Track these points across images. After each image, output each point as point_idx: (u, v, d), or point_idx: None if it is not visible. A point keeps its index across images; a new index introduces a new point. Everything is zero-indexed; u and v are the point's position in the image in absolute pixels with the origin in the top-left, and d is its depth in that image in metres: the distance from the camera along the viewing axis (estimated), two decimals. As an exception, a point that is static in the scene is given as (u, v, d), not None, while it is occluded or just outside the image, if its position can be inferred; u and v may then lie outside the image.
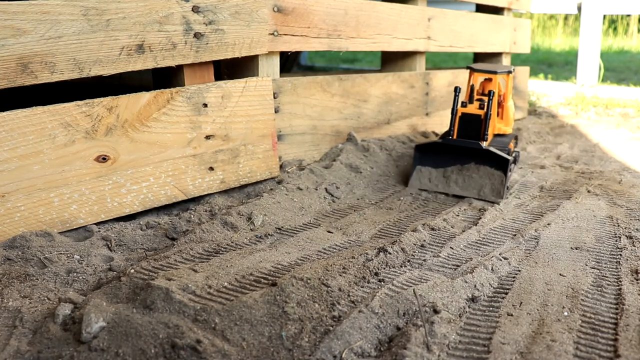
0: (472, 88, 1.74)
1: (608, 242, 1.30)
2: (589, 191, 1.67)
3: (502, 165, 1.61)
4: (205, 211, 1.39)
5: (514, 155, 1.83)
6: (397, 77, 2.15)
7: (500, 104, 1.86)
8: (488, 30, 2.63)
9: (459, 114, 1.69)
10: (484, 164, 1.63)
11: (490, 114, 1.66)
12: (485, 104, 1.68)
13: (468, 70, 1.85)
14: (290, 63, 3.94)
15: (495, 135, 1.83)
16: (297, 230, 1.34)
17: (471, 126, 1.68)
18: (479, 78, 1.84)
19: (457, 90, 1.68)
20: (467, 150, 1.64)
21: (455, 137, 1.69)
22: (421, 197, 1.64)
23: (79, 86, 1.50)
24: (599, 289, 1.06)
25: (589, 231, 1.36)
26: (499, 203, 1.55)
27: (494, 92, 1.65)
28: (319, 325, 0.89)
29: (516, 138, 1.96)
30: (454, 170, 1.65)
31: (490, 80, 1.81)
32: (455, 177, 1.64)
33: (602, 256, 1.22)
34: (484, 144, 1.62)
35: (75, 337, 0.85)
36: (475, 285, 1.04)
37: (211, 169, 1.47)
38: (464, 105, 1.70)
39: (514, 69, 1.85)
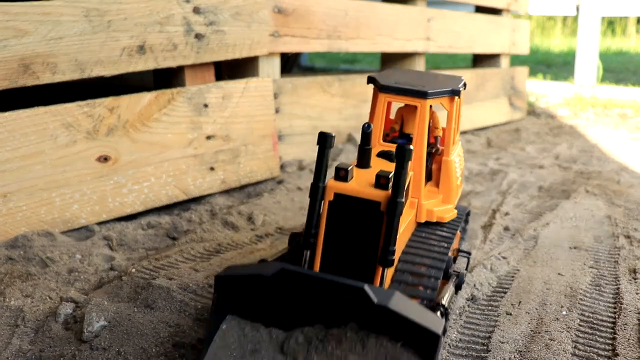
0: (366, 134, 0.80)
1: (606, 241, 1.30)
2: (587, 191, 1.68)
3: (424, 341, 0.64)
4: (206, 211, 1.40)
5: (455, 272, 0.91)
6: (397, 78, 2.15)
7: (432, 155, 0.99)
8: (487, 31, 2.64)
9: (328, 196, 0.76)
10: (377, 329, 0.66)
11: (405, 194, 0.75)
12: (392, 175, 0.73)
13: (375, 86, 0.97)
14: (291, 64, 3.95)
15: (422, 226, 0.94)
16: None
17: (356, 229, 0.75)
18: (392, 104, 1.01)
19: (325, 140, 0.74)
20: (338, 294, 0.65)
21: (317, 261, 0.77)
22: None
23: (81, 87, 1.50)
24: (597, 288, 1.07)
25: (588, 231, 1.37)
26: None
27: (410, 135, 0.79)
28: (319, 324, 0.89)
29: (466, 220, 1.14)
30: (306, 340, 0.68)
31: (415, 108, 0.93)
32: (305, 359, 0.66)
33: (601, 255, 1.22)
34: (384, 282, 0.75)
35: (77, 336, 0.86)
36: (474, 285, 1.05)
37: (212, 169, 1.47)
38: (341, 175, 0.76)
39: (464, 84, 1.00)
